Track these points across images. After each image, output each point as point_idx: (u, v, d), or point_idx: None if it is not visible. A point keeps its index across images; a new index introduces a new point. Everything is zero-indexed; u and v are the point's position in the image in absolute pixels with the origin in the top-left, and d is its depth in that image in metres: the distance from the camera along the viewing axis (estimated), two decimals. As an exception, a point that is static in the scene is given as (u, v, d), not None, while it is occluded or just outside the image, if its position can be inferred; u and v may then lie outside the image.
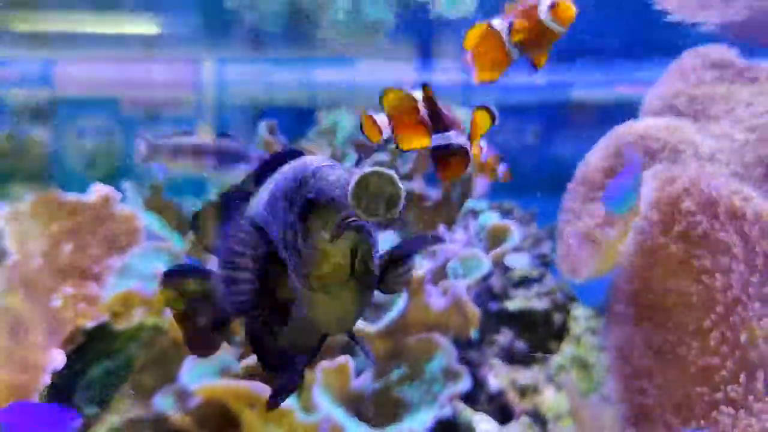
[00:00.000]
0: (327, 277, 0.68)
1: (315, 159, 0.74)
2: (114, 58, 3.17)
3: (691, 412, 1.21)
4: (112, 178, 1.92)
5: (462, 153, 0.90)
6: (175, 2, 2.82)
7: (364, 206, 0.62)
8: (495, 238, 1.73)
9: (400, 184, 0.63)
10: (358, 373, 1.54)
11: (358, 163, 1.91)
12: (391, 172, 0.62)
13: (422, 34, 2.56)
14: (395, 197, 0.62)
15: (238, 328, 1.65)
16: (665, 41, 2.04)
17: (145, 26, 2.97)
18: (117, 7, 2.90)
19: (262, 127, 1.95)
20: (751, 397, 1.13)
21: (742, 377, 1.17)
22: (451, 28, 2.50)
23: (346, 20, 2.37)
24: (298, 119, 2.30)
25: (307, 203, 0.67)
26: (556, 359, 1.75)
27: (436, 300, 1.62)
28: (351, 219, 0.64)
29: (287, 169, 0.75)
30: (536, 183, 2.17)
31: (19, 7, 2.72)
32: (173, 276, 0.87)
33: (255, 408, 1.52)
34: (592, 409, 1.45)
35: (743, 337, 1.19)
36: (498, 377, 1.71)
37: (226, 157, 1.95)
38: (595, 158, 1.55)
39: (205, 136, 2.89)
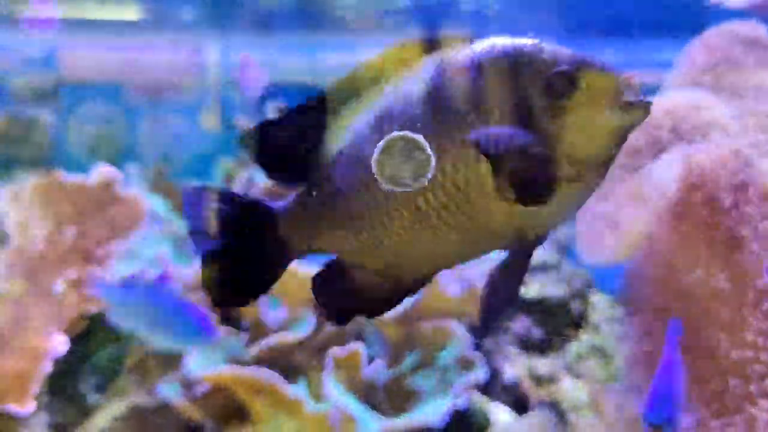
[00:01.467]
0: (595, 158, 0.60)
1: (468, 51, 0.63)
2: (118, 42, 3.15)
3: (722, 405, 1.15)
4: (116, 161, 1.88)
5: None
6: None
7: (389, 173, 0.57)
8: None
9: (429, 150, 0.58)
10: (370, 360, 1.50)
11: None
12: (419, 137, 0.58)
13: (433, 15, 2.51)
14: (424, 164, 0.58)
15: (246, 312, 1.62)
16: (689, 21, 1.99)
17: (148, 11, 2.94)
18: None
19: (271, 110, 1.91)
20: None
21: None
22: (461, 10, 2.45)
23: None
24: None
25: (565, 74, 0.59)
26: (574, 348, 1.71)
27: (450, 286, 1.58)
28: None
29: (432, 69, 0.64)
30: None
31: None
32: None
33: (263, 396, 1.48)
34: (613, 400, 1.40)
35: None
36: (514, 366, 1.67)
37: None
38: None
39: (209, 121, 2.86)
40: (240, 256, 0.71)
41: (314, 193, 0.69)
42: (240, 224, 0.71)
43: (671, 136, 1.39)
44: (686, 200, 1.23)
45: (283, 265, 0.73)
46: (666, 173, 1.25)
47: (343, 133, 0.68)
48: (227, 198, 0.71)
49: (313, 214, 0.70)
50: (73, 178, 1.71)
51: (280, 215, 0.71)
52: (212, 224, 0.70)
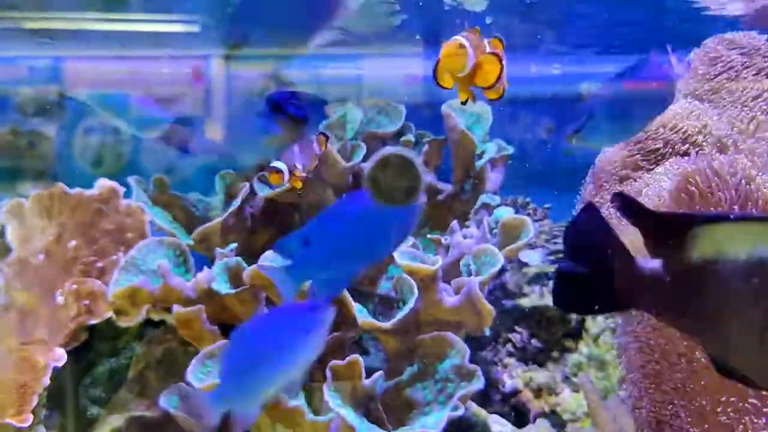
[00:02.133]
0: None
1: None
2: (122, 55, 3.16)
3: (716, 420, 1.15)
4: (120, 174, 1.89)
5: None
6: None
7: (381, 187, 0.58)
8: (509, 234, 1.68)
9: (421, 168, 0.59)
10: (369, 372, 1.50)
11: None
12: (412, 154, 0.59)
13: (432, 26, 2.52)
14: (416, 180, 0.59)
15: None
16: (690, 31, 2.00)
17: (155, 24, 2.96)
18: (125, 6, 2.89)
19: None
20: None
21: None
22: (460, 20, 2.46)
23: (357, 12, 2.34)
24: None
25: None
26: (572, 359, 1.70)
27: (448, 297, 1.57)
28: None
29: None
30: (551, 178, 2.13)
31: (28, 4, 2.72)
32: None
33: (263, 407, 1.48)
34: (611, 411, 1.40)
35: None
36: (512, 377, 1.67)
37: None
38: (613, 148, 1.50)
39: (213, 132, 2.87)
40: (596, 288, 0.75)
41: (693, 278, 0.70)
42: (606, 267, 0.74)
43: (668, 149, 1.40)
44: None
45: (627, 309, 0.77)
46: (660, 185, 1.25)
47: (745, 242, 0.68)
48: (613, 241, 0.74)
49: (681, 296, 0.71)
50: (74, 191, 1.72)
51: (647, 277, 0.73)
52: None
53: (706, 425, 1.14)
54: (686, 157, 1.30)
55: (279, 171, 1.48)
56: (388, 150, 0.57)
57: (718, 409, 1.12)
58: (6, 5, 2.58)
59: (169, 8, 2.77)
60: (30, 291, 1.59)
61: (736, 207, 1.19)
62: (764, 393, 1.04)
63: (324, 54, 2.93)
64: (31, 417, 1.43)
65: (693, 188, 1.21)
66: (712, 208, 1.20)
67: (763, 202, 1.19)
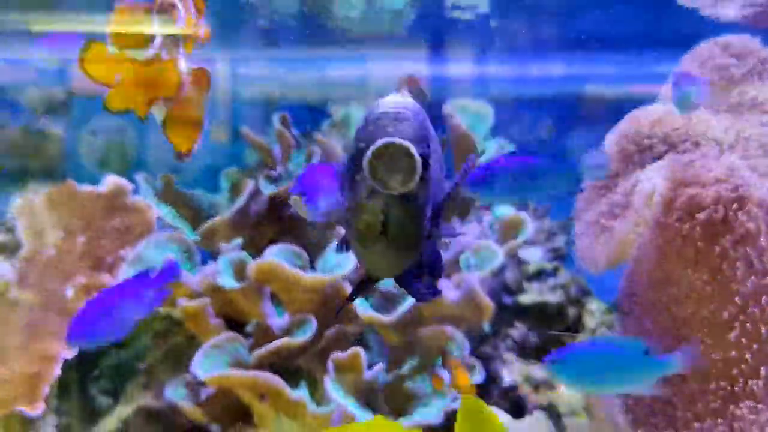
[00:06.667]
0: (360, 232, 0.66)
1: (390, 100, 0.66)
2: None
3: (707, 405, 1.18)
4: (126, 173, 1.92)
5: None
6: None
7: (379, 178, 0.61)
8: (508, 231, 1.72)
9: (417, 156, 0.61)
10: (371, 365, 1.53)
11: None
12: (407, 143, 0.61)
13: (437, 27, 2.55)
14: (411, 169, 0.61)
15: (250, 316, 1.66)
16: (686, 33, 2.02)
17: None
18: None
19: (275, 118, 1.95)
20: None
21: (763, 370, 1.15)
22: (466, 23, 2.49)
23: (361, 13, 2.37)
24: (312, 114, 2.31)
25: (358, 152, 0.63)
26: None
27: (449, 292, 1.61)
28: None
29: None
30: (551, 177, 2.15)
31: (35, 7, 2.75)
32: None
33: (266, 399, 1.52)
34: (607, 404, 1.43)
35: (763, 330, 1.17)
36: (511, 371, 1.70)
37: None
38: (609, 145, 1.54)
39: (218, 133, 2.90)
40: None
41: None
42: None
43: (663, 146, 1.43)
44: (675, 207, 1.26)
45: None
46: (654, 183, 1.29)
47: None
48: None
49: None
50: (83, 188, 1.76)
51: None
52: None
53: (699, 410, 1.18)
54: (679, 155, 1.33)
55: None
56: (383, 140, 0.59)
57: (707, 396, 1.15)
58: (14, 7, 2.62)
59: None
60: (41, 285, 1.63)
61: (724, 204, 1.22)
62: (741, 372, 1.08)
63: (328, 55, 2.96)
64: (43, 406, 1.47)
65: (684, 187, 1.24)
66: (702, 205, 1.23)
67: (757, 199, 1.22)
